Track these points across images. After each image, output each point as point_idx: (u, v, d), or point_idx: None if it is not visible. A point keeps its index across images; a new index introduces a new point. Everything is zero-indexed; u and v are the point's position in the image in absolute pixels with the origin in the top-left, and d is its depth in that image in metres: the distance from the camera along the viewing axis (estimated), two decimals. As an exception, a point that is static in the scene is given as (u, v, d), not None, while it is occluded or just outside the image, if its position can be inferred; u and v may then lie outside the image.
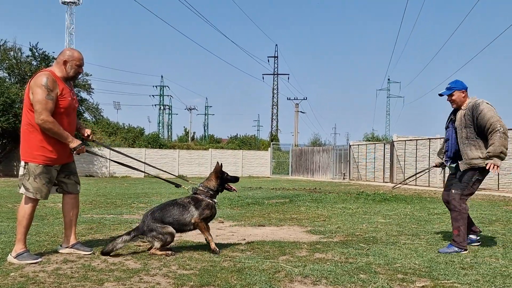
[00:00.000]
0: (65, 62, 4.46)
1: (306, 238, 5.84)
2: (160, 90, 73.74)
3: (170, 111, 76.60)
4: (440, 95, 5.31)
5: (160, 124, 73.30)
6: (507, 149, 4.94)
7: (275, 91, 54.97)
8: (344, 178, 28.38)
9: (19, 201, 10.48)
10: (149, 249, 4.70)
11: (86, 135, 4.78)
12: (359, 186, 19.29)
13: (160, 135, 47.38)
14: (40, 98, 4.21)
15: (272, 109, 54.59)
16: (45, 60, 29.23)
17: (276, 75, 55.26)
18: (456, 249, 4.92)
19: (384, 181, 24.58)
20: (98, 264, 4.18)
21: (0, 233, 5.71)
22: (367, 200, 11.41)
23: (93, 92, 32.69)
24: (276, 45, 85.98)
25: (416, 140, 23.52)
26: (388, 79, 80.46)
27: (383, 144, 26.66)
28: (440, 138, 22.06)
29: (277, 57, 55.34)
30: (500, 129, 4.89)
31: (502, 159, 4.94)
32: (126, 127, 48.57)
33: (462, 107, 5.17)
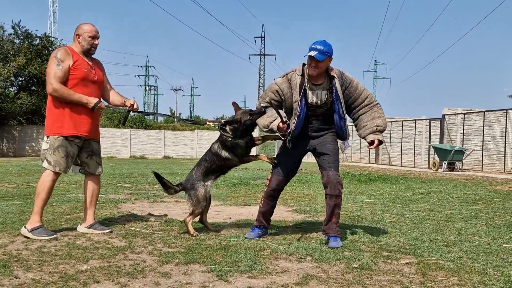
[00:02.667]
0: (78, 36, 4.50)
1: (291, 217, 5.86)
2: (146, 70, 73.15)
3: (155, 92, 76.17)
4: (312, 58, 4.09)
5: (146, 105, 72.84)
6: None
7: (261, 72, 54.80)
8: (330, 159, 28.53)
9: (3, 180, 10.41)
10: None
11: (129, 105, 4.71)
12: (345, 167, 19.40)
13: (145, 116, 46.98)
14: (49, 69, 4.36)
15: (259, 90, 54.48)
16: (28, 38, 28.81)
17: (262, 56, 55.03)
18: (340, 242, 4.22)
19: (370, 162, 24.75)
20: (83, 242, 4.15)
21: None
22: (352, 181, 11.48)
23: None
24: (263, 25, 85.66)
25: (402, 121, 23.65)
26: (375, 61, 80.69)
27: (369, 125, 26.79)
28: (426, 119, 22.22)
29: (263, 37, 55.12)
30: (376, 101, 4.43)
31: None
32: (111, 108, 48.14)
33: (321, 77, 4.23)
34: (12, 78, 29.13)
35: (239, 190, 8.96)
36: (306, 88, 4.27)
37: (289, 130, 4.26)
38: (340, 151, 4.64)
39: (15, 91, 30.59)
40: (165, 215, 5.84)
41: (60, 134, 4.38)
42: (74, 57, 4.41)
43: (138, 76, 74.28)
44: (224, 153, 4.58)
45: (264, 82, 54.55)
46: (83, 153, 4.61)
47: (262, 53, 54.97)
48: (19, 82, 30.67)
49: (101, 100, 4.61)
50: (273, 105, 4.33)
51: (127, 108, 4.73)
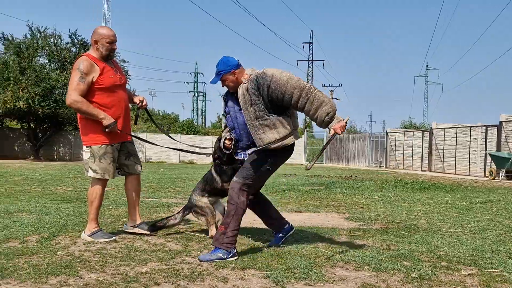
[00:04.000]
0: (95, 42, 4.43)
1: (345, 224, 5.78)
2: (195, 77, 74.28)
3: (204, 98, 77.15)
4: (216, 83, 4.09)
5: (194, 111, 73.96)
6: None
7: (309, 78, 54.58)
8: (380, 166, 28.03)
9: (61, 184, 10.81)
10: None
11: (138, 102, 4.72)
12: (397, 175, 19.00)
13: (194, 122, 47.79)
14: (72, 80, 4.32)
15: (307, 96, 54.24)
16: (84, 47, 29.76)
17: (311, 62, 54.83)
18: (220, 254, 3.80)
19: (422, 169, 24.15)
20: (141, 245, 4.24)
21: (45, 214, 5.85)
22: (405, 188, 11.22)
23: (130, 79, 33.14)
24: (312, 30, 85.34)
25: (456, 128, 22.96)
26: (427, 66, 78.86)
27: (421, 132, 26.14)
28: (482, 126, 21.47)
29: (312, 43, 54.98)
30: (308, 85, 3.89)
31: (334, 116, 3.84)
32: (161, 114, 49.20)
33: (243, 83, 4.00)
34: (69, 85, 30.29)
35: (289, 197, 8.93)
36: (225, 98, 4.24)
37: (232, 143, 4.19)
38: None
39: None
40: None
41: (104, 143, 4.42)
42: (99, 65, 4.37)
43: (187, 82, 75.60)
44: (216, 177, 4.57)
45: (312, 88, 54.29)
46: (121, 155, 4.64)
47: (310, 59, 54.80)
48: (75, 89, 31.80)
49: (116, 122, 4.43)
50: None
51: (137, 105, 4.76)
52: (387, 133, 28.50)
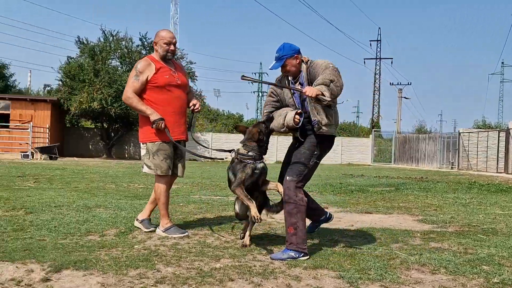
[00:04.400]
0: (155, 43, 4.66)
1: (418, 227, 5.60)
2: (259, 77, 74.69)
3: (269, 98, 77.39)
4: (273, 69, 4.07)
5: (258, 111, 74.38)
6: (341, 89, 3.86)
7: (377, 76, 53.47)
8: (452, 167, 26.95)
9: (133, 181, 11.21)
10: None
11: (191, 105, 4.78)
12: (470, 176, 18.20)
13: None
14: (129, 78, 4.57)
15: (374, 94, 53.18)
16: (153, 49, 30.73)
17: (378, 60, 53.68)
18: (293, 254, 3.80)
19: (498, 171, 23.00)
20: (212, 241, 4.32)
21: (121, 210, 6.09)
22: (480, 191, 10.72)
23: (196, 80, 33.85)
24: (379, 28, 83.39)
25: (535, 128, 21.68)
26: (502, 63, 74.91)
27: (497, 131, 24.90)
28: None
29: (380, 40, 53.82)
30: (333, 66, 3.93)
31: (332, 94, 3.76)
32: (225, 114, 49.90)
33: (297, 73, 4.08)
34: (139, 87, 31.36)
35: (358, 197, 8.77)
36: (291, 80, 4.12)
37: (302, 118, 4.00)
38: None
39: (142, 99, 32.90)
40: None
41: (158, 140, 4.54)
42: (157, 66, 4.56)
43: (251, 82, 76.24)
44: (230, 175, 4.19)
45: (379, 86, 53.15)
46: (175, 154, 4.72)
47: (378, 57, 53.66)
48: (145, 90, 32.91)
49: (163, 119, 4.49)
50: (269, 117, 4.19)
51: (190, 109, 4.80)
52: (459, 133, 27.36)
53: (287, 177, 3.99)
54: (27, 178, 10.44)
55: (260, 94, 74.91)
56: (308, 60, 4.09)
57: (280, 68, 4.09)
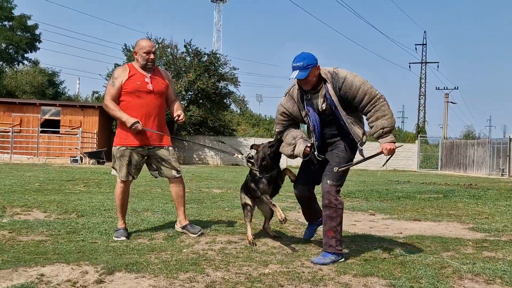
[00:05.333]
0: (135, 53, 4.75)
1: (469, 235, 5.42)
2: (302, 82, 74.59)
3: (312, 103, 77.18)
4: (299, 79, 3.97)
5: (302, 116, 74.12)
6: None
7: (422, 81, 52.35)
8: (502, 174, 26.01)
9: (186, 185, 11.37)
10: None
11: (175, 116, 4.82)
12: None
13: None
14: (107, 85, 4.73)
15: (419, 99, 52.05)
16: (197, 56, 31.20)
17: (424, 64, 52.55)
18: (333, 257, 3.85)
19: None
20: (259, 247, 4.33)
21: (168, 214, 6.18)
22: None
23: (239, 85, 34.09)
24: (425, 31, 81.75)
25: None
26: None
27: (550, 137, 23.88)
28: None
29: (425, 44, 52.68)
30: (379, 94, 3.92)
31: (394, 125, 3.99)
32: (267, 119, 49.99)
33: (317, 85, 4.01)
34: (183, 93, 31.80)
35: (405, 204, 8.59)
36: (306, 97, 4.07)
37: (313, 149, 4.10)
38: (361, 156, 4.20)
39: (185, 104, 33.37)
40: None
41: (121, 145, 4.67)
42: (130, 72, 4.65)
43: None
44: (252, 184, 4.49)
45: (425, 91, 52.01)
46: (153, 159, 4.79)
47: (423, 61, 52.55)
48: (189, 96, 33.38)
49: (139, 122, 4.55)
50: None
51: (174, 119, 4.82)
52: (510, 139, 26.41)
53: (328, 181, 4.00)
54: (77, 182, 10.77)
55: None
56: (332, 72, 3.98)
57: (298, 80, 4.00)
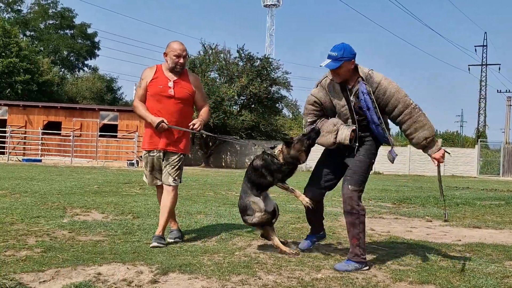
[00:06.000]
0: (165, 54, 4.61)
1: (533, 244, 5.14)
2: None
3: (365, 107, 76.12)
4: (330, 68, 3.81)
5: (355, 121, 73.11)
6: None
7: (483, 83, 50.40)
8: None
9: (230, 189, 11.48)
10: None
11: (190, 124, 4.58)
12: None
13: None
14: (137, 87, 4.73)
15: (479, 103, 50.11)
16: (250, 61, 31.42)
17: (484, 66, 50.59)
18: (357, 265, 3.69)
19: None
20: (311, 252, 4.27)
21: (220, 216, 6.24)
22: None
23: (292, 90, 34.02)
24: (485, 33, 78.72)
25: None
26: None
27: None
28: None
29: (486, 46, 50.68)
30: (414, 103, 3.82)
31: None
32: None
33: (351, 80, 3.86)
34: (236, 97, 32.10)
35: (464, 211, 8.27)
36: (350, 89, 3.89)
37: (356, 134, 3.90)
38: (389, 161, 4.01)
39: (238, 109, 33.67)
40: (388, 231, 5.68)
41: (144, 149, 4.66)
42: (155, 74, 4.57)
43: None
44: (265, 173, 4.20)
45: (486, 94, 50.01)
46: (164, 163, 4.61)
47: (483, 63, 50.61)
48: (241, 101, 33.65)
49: (164, 121, 4.42)
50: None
51: (190, 128, 4.60)
52: None
53: (349, 186, 3.86)
54: (133, 185, 11.06)
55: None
56: (368, 73, 3.84)
57: (329, 70, 3.86)
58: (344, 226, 5.81)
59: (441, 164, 3.86)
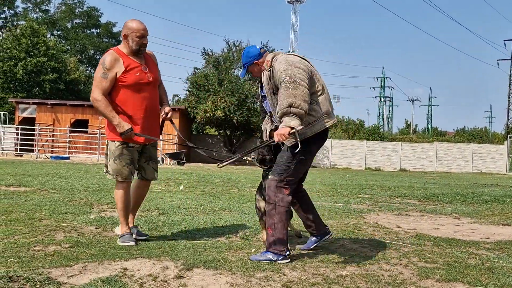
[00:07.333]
0: (125, 36, 4.16)
1: None
2: (381, 81, 72.85)
3: (390, 103, 75.31)
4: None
5: (380, 117, 72.49)
6: (306, 101, 3.53)
7: (512, 79, 49.23)
8: None
9: (254, 186, 11.46)
10: None
11: (163, 113, 4.35)
12: None
13: (380, 128, 46.77)
14: (96, 75, 4.13)
15: (509, 98, 48.94)
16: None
17: (514, 60, 49.40)
18: (270, 256, 3.64)
19: None
20: (337, 248, 4.25)
21: (245, 213, 6.25)
22: None
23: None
24: (514, 26, 76.89)
25: None
26: None
27: None
28: None
29: (516, 39, 49.50)
30: (286, 78, 3.58)
31: (299, 117, 3.49)
32: (345, 120, 49.29)
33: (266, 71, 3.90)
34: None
35: (493, 208, 8.10)
36: (260, 86, 4.10)
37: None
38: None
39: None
40: (414, 229, 5.61)
41: (120, 142, 4.15)
42: (125, 62, 4.10)
43: (373, 88, 74.56)
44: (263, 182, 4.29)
45: (514, 89, 48.79)
46: (141, 158, 4.34)
47: (513, 58, 49.42)
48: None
49: (132, 129, 4.10)
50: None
51: (162, 118, 4.36)
52: None
53: (270, 176, 3.87)
54: (159, 182, 11.16)
55: (383, 99, 73.03)
56: (272, 61, 3.86)
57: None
58: (369, 223, 5.80)
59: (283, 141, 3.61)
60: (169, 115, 4.34)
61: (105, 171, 4.31)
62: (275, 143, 3.68)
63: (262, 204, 4.26)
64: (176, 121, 28.31)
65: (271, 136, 3.95)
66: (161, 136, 4.50)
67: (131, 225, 4.40)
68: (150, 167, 4.41)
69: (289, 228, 4.36)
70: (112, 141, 4.20)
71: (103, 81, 4.08)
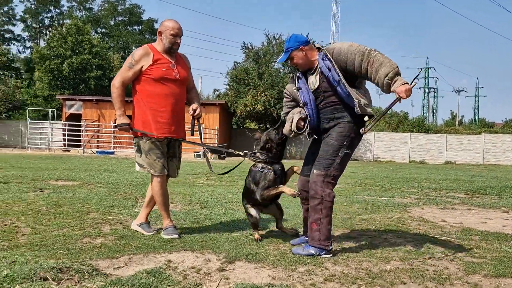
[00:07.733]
0: (160, 33, 4.27)
1: None
2: (425, 72, 71.19)
3: (435, 94, 73.54)
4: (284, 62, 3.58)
5: (425, 108, 70.90)
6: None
7: None
8: None
9: (294, 180, 11.44)
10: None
11: (191, 110, 4.40)
12: None
13: (425, 120, 45.70)
14: (123, 66, 4.28)
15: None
16: (314, 50, 31.09)
17: None
18: (313, 251, 3.62)
19: None
20: (380, 243, 4.19)
21: (286, 207, 6.22)
22: None
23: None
24: None
25: None
26: None
27: None
28: None
29: None
30: (365, 48, 3.65)
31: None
32: (389, 112, 48.39)
33: (312, 64, 3.91)
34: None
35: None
36: (298, 75, 4.00)
37: (306, 123, 3.89)
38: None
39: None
40: (460, 223, 5.46)
41: (151, 136, 4.21)
42: (154, 56, 4.20)
43: (418, 78, 73.03)
44: (252, 185, 4.22)
45: None
46: (167, 154, 4.37)
47: None
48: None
49: (129, 124, 4.26)
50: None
51: (190, 114, 4.39)
52: None
53: (314, 171, 3.78)
54: (200, 176, 11.31)
55: (427, 90, 71.37)
56: (325, 49, 3.85)
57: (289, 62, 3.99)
58: (413, 217, 5.68)
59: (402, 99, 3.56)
60: (196, 112, 4.39)
61: (137, 168, 4.34)
62: (402, 97, 3.52)
63: (252, 211, 4.26)
64: (216, 116, 28.58)
65: (298, 127, 3.92)
66: (195, 134, 4.53)
67: (144, 221, 4.47)
68: (173, 164, 4.44)
69: (285, 232, 4.48)
70: (140, 137, 4.29)
71: (128, 70, 4.23)
